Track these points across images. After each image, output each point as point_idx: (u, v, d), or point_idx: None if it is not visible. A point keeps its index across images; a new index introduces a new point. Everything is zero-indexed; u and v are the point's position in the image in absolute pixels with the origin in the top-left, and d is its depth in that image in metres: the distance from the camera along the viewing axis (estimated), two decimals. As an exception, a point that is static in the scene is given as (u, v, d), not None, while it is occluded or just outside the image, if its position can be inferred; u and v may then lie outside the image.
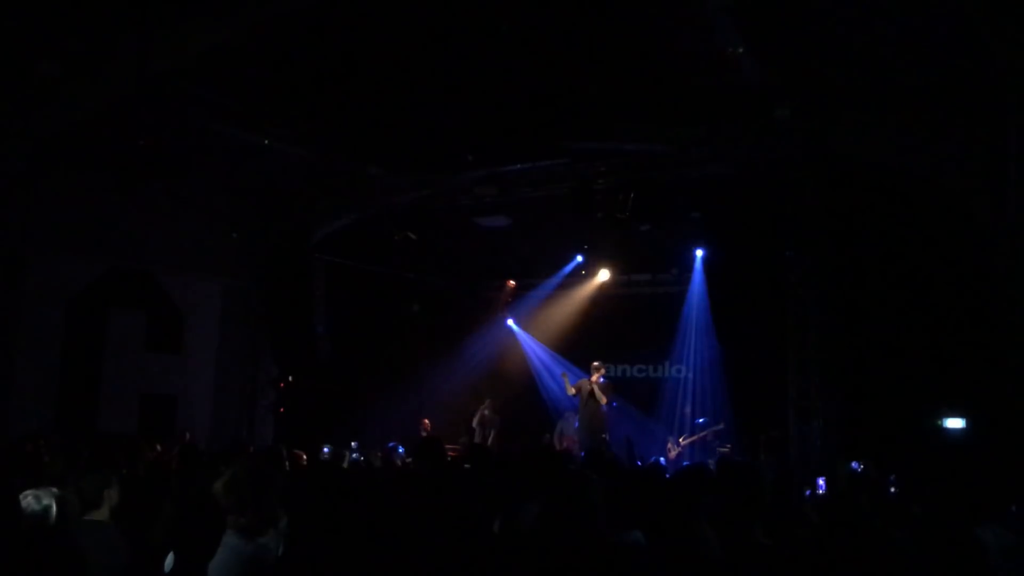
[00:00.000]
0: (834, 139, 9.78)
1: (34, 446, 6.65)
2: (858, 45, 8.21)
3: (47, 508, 3.42)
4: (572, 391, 12.50)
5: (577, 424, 12.93)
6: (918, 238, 9.68)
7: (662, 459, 11.49)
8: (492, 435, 13.43)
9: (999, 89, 8.39)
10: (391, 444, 12.19)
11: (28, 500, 3.43)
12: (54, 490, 3.52)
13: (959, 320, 9.53)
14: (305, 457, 8.03)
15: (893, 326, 10.04)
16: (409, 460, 8.61)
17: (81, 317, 11.20)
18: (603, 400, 12.06)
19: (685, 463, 11.65)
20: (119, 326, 11.68)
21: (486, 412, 13.71)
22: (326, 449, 9.19)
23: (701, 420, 13.06)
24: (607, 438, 11.92)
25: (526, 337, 15.96)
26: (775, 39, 8.06)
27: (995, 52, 7.78)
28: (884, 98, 9.26)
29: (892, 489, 7.98)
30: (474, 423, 13.72)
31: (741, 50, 7.93)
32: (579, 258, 14.71)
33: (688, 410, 13.67)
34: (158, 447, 8.75)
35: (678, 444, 12.87)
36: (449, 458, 6.08)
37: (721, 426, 12.50)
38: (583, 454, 11.20)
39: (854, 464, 8.30)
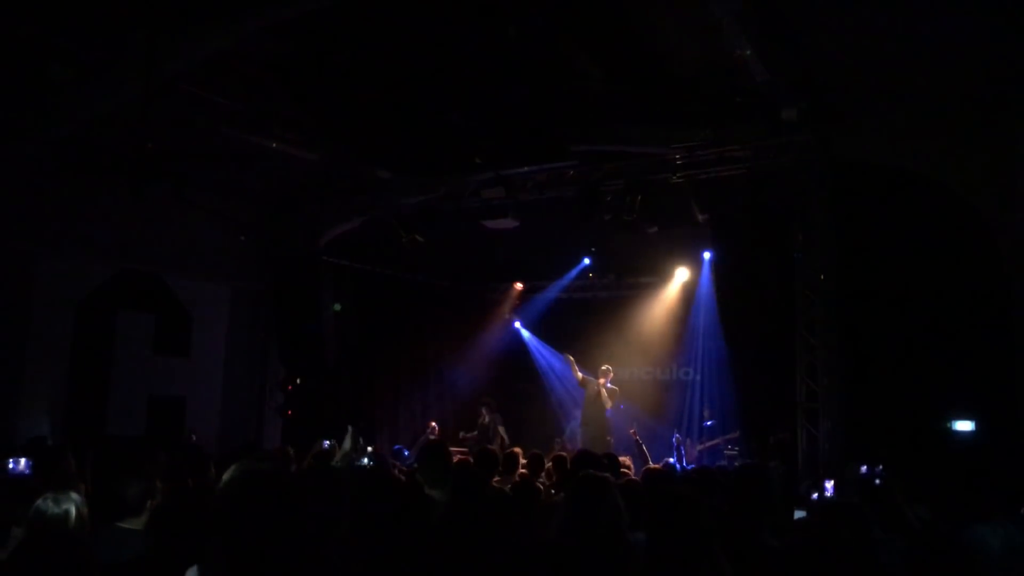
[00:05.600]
0: (842, 141, 9.78)
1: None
2: (866, 47, 8.20)
3: (67, 512, 3.41)
4: (579, 376, 12.50)
5: (579, 421, 12.92)
6: (927, 240, 9.66)
7: (671, 459, 11.49)
8: (501, 433, 13.40)
9: (1007, 91, 8.38)
10: (397, 447, 12.21)
11: (47, 503, 3.42)
12: (74, 494, 3.50)
13: (968, 322, 9.50)
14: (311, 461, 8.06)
15: (902, 328, 10.01)
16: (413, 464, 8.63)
17: (90, 319, 11.22)
18: (608, 404, 12.07)
19: (690, 466, 11.65)
20: (128, 328, 11.71)
21: (485, 419, 13.64)
22: (326, 443, 9.20)
23: (709, 423, 13.04)
24: (611, 440, 11.93)
25: (533, 339, 15.98)
26: (783, 42, 8.06)
27: (1003, 53, 7.77)
28: (892, 100, 9.25)
29: (877, 481, 7.96)
30: (462, 436, 13.65)
31: (749, 52, 7.92)
32: (586, 260, 14.72)
33: (702, 413, 13.65)
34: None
35: (693, 447, 12.86)
36: (455, 461, 6.07)
37: (737, 434, 12.46)
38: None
39: (863, 467, 8.28)
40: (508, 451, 8.21)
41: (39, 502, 3.42)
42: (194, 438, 11.06)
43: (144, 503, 3.86)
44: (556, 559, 3.29)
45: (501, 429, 13.37)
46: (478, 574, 3.45)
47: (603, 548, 3.23)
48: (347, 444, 8.24)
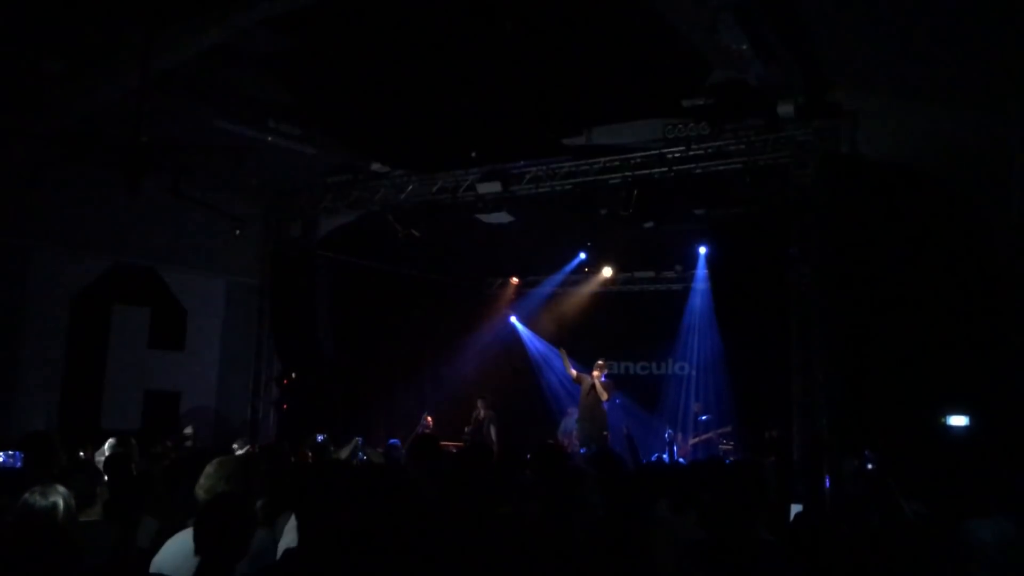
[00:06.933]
0: (838, 136, 9.77)
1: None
2: (862, 42, 8.19)
3: (54, 504, 3.41)
4: (573, 373, 12.51)
5: (576, 417, 12.93)
6: (923, 235, 9.66)
7: (664, 455, 11.51)
8: (491, 433, 13.41)
9: (1005, 85, 8.38)
10: (392, 441, 12.21)
11: (34, 496, 3.42)
12: (60, 487, 3.50)
13: (963, 317, 9.50)
14: (311, 455, 8.06)
15: (897, 324, 10.01)
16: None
17: (85, 313, 11.21)
18: (604, 397, 12.08)
19: (683, 461, 11.67)
20: (123, 323, 11.71)
21: (480, 413, 13.65)
22: (320, 437, 9.21)
23: (704, 417, 13.06)
24: (607, 435, 11.95)
25: (529, 334, 15.99)
26: (779, 36, 8.05)
27: (1001, 48, 7.76)
28: (889, 95, 9.24)
29: (869, 466, 7.99)
30: (467, 430, 13.67)
31: (745, 48, 7.91)
32: (582, 255, 14.72)
33: (693, 407, 13.68)
34: (168, 443, 8.80)
35: (685, 441, 12.89)
36: (445, 454, 6.04)
37: (729, 428, 12.49)
38: (583, 450, 11.22)
39: (858, 462, 8.30)
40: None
41: (26, 495, 3.41)
42: (190, 431, 11.05)
43: (93, 493, 3.90)
44: (537, 549, 3.32)
45: (493, 431, 13.37)
46: (472, 567, 3.46)
47: (578, 537, 3.26)
48: (344, 453, 8.27)
